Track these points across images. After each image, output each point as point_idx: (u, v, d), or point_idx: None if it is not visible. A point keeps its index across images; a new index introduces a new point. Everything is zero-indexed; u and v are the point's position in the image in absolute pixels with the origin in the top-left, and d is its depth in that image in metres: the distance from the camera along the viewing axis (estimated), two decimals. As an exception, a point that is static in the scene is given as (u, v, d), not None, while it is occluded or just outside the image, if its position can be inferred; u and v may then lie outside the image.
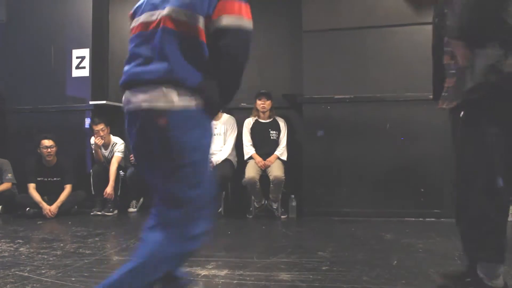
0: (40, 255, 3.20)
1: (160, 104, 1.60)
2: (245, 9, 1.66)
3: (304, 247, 3.52)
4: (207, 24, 1.64)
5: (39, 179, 5.29)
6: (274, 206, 5.10)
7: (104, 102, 5.79)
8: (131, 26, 1.85)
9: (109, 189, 5.30)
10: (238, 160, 5.32)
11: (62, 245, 3.58)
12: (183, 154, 1.63)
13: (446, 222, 4.62)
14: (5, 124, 6.14)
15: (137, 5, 1.87)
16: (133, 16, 1.87)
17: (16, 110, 6.06)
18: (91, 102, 5.75)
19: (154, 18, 1.70)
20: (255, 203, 5.12)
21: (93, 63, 5.86)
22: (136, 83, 1.67)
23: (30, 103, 5.98)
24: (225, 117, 5.32)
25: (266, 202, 5.13)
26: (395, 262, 2.98)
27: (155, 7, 1.72)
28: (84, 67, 5.88)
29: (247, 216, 5.14)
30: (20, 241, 3.74)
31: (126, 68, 1.74)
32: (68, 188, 5.30)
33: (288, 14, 5.72)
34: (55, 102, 5.90)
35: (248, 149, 5.22)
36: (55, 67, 6.00)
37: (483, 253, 2.10)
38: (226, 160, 5.14)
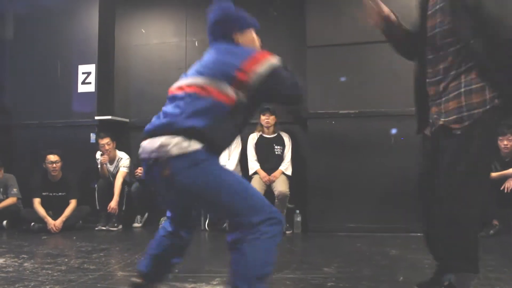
0: (44, 271, 3.19)
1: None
2: (261, 54, 1.99)
3: (309, 263, 3.49)
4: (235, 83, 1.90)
5: (44, 194, 5.30)
6: (279, 221, 5.07)
7: (109, 117, 5.82)
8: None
9: (113, 204, 5.31)
10: (242, 175, 5.32)
11: (66, 260, 3.57)
12: (198, 195, 1.86)
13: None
14: (11, 139, 6.18)
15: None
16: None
17: (22, 125, 6.10)
18: (96, 118, 5.78)
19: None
20: (260, 218, 5.09)
21: (99, 79, 5.91)
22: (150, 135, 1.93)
23: (36, 118, 6.02)
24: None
25: (271, 217, 5.11)
26: (401, 278, 2.95)
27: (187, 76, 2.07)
28: (90, 83, 5.93)
29: (252, 231, 5.10)
30: (25, 256, 3.73)
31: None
32: (73, 203, 5.31)
33: (292, 30, 5.75)
34: (61, 117, 5.95)
35: (253, 164, 5.22)
36: (61, 82, 6.05)
37: (468, 265, 2.20)
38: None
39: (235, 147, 5.27)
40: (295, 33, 5.67)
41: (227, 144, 2.02)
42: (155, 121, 1.97)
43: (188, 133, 1.82)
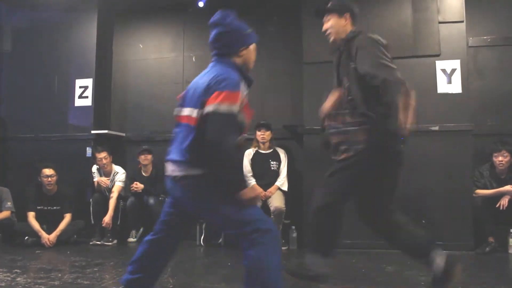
0: (37, 286, 3.16)
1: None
2: (225, 96, 2.05)
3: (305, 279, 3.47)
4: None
5: (39, 207, 5.27)
6: (275, 237, 5.05)
7: (106, 131, 5.82)
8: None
9: (107, 219, 5.28)
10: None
11: (60, 275, 3.54)
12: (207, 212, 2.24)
13: (447, 254, 4.56)
14: (7, 151, 6.16)
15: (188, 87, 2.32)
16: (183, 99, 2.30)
17: (18, 138, 6.08)
18: (93, 132, 5.78)
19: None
20: (255, 234, 5.07)
21: (96, 93, 5.93)
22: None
23: (32, 131, 6.01)
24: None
25: (266, 233, 5.08)
26: (397, 295, 2.94)
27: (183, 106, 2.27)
28: (86, 97, 5.94)
29: (247, 247, 5.08)
30: (18, 270, 3.69)
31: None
32: (67, 217, 5.28)
33: (289, 46, 5.80)
34: (57, 130, 5.94)
35: (249, 180, 5.21)
36: (58, 96, 6.06)
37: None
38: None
39: (231, 163, 5.26)
40: (292, 49, 5.72)
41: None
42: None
43: None
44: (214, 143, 2.01)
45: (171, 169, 2.20)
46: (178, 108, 2.28)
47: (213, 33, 2.29)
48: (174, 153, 2.20)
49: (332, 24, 2.88)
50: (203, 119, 2.07)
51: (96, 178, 5.57)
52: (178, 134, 2.22)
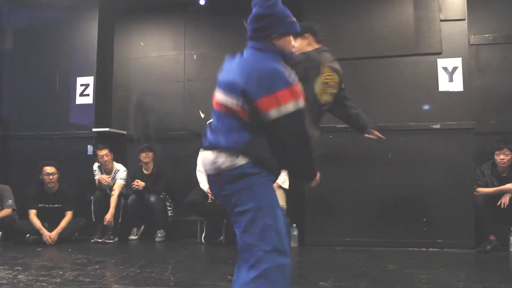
0: (39, 283, 3.17)
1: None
2: (282, 96, 1.82)
3: (305, 277, 3.48)
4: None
5: (40, 205, 5.28)
6: (276, 235, 5.05)
7: (107, 129, 5.82)
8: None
9: (108, 216, 5.28)
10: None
11: (61, 272, 3.55)
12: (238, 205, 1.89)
13: (449, 252, 4.58)
14: (8, 150, 6.17)
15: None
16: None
17: (19, 136, 6.09)
18: (94, 129, 5.78)
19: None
20: (256, 232, 5.07)
21: (97, 91, 5.93)
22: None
23: (33, 130, 6.01)
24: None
25: (267, 231, 5.08)
26: (398, 293, 2.94)
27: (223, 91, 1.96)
28: (88, 95, 5.94)
29: (248, 245, 5.08)
30: (19, 268, 3.70)
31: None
32: (69, 214, 5.29)
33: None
34: (59, 129, 5.94)
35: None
36: (59, 94, 6.06)
37: None
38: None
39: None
40: (293, 47, 5.70)
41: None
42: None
43: None
44: (295, 149, 1.90)
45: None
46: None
47: (253, 11, 2.06)
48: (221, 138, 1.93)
49: (296, 45, 2.85)
50: (261, 121, 1.85)
51: (97, 176, 5.58)
52: (223, 120, 1.94)
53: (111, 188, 5.53)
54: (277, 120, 1.82)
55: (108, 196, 5.43)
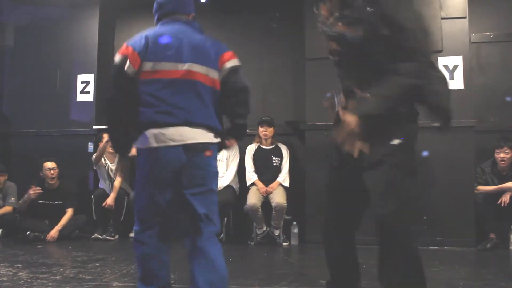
0: (39, 280, 3.17)
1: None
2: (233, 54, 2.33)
3: (306, 275, 3.48)
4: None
5: (41, 201, 5.28)
6: (276, 233, 5.06)
7: (107, 126, 5.80)
8: (150, 69, 2.18)
9: (109, 201, 5.29)
10: (240, 186, 5.31)
11: (61, 270, 3.55)
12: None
13: (449, 250, 4.58)
14: (9, 147, 6.17)
15: (141, 45, 2.22)
16: (143, 57, 2.20)
17: (20, 133, 6.09)
18: (94, 127, 5.78)
19: (182, 68, 2.19)
20: (257, 229, 5.09)
21: (98, 88, 5.92)
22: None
23: (34, 127, 6.01)
24: (227, 143, 5.32)
25: (268, 229, 5.10)
26: (398, 291, 2.93)
27: (179, 59, 2.19)
28: (88, 92, 5.94)
29: (249, 243, 5.10)
30: (20, 265, 3.71)
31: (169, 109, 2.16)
32: (69, 211, 5.29)
33: (291, 42, 5.79)
34: (59, 126, 5.94)
35: (251, 176, 5.21)
36: (60, 91, 6.06)
37: None
38: (228, 187, 5.14)
39: (233, 158, 5.27)
40: (294, 45, 5.70)
41: None
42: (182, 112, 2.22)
43: None
44: (247, 88, 2.31)
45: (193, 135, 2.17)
46: (178, 62, 2.20)
47: None
48: (199, 116, 2.19)
49: None
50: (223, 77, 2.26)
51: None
52: (199, 93, 2.19)
53: (115, 175, 5.50)
54: (235, 68, 2.31)
55: (109, 194, 5.41)
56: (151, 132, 2.10)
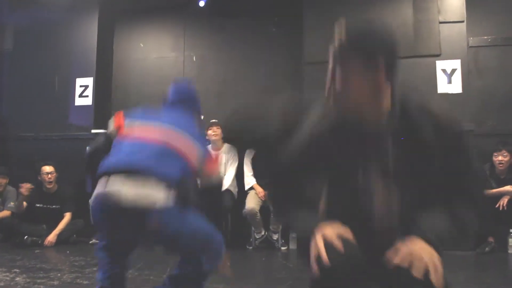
0: (36, 285, 3.16)
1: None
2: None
3: (304, 279, 3.45)
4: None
5: (38, 205, 5.27)
6: (275, 237, 5.06)
7: (106, 131, 5.80)
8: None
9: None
10: (238, 190, 5.31)
11: (59, 275, 3.54)
12: None
13: (447, 253, 4.55)
14: (7, 150, 6.16)
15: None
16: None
17: (18, 137, 6.08)
18: (93, 131, 5.77)
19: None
20: (255, 234, 5.08)
21: (96, 92, 5.93)
22: None
23: (32, 131, 6.01)
24: (226, 147, 5.33)
25: (266, 233, 5.09)
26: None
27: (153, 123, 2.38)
28: (87, 96, 5.94)
29: (247, 247, 5.09)
30: (17, 270, 3.69)
31: None
32: (67, 216, 5.28)
33: (289, 47, 5.80)
34: (58, 130, 5.94)
35: (249, 179, 5.21)
36: (58, 95, 6.06)
37: None
38: (227, 190, 5.13)
39: (231, 163, 5.26)
40: (293, 49, 5.71)
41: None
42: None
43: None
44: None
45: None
46: (159, 122, 2.39)
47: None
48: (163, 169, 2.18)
49: None
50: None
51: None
52: (164, 153, 2.22)
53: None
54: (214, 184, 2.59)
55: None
56: None
